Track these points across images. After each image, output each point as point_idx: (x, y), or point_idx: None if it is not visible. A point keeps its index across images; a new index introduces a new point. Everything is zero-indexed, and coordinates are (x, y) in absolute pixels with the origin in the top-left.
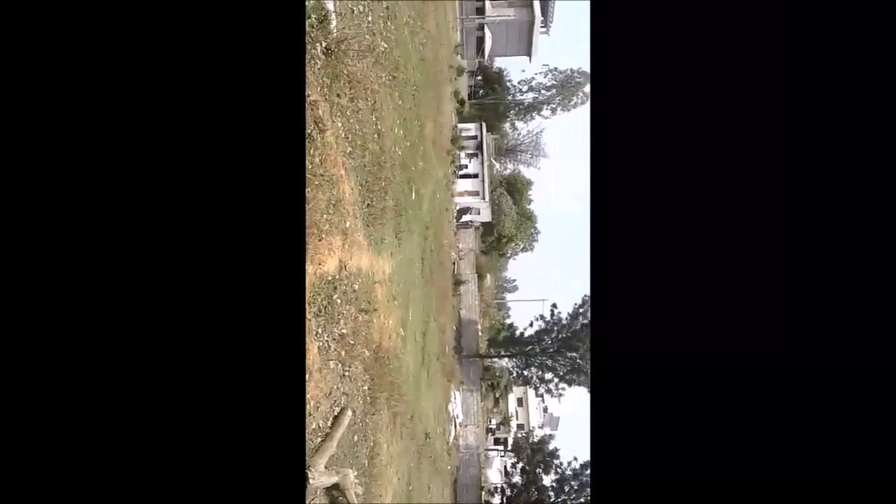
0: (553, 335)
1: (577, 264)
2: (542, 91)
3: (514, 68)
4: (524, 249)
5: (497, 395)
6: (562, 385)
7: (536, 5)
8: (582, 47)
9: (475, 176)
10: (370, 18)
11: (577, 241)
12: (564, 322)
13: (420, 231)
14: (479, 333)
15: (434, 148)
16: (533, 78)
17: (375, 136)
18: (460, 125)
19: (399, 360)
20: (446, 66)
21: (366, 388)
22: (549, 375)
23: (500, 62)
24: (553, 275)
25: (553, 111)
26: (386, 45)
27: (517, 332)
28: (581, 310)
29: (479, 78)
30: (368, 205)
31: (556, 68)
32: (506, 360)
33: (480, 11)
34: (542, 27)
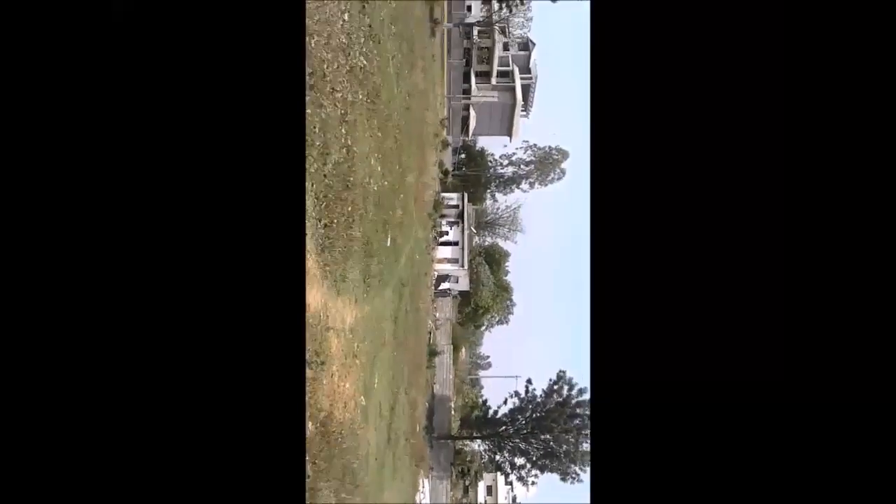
0: (527, 414)
1: (551, 338)
2: (522, 166)
3: (496, 147)
4: (500, 322)
5: (467, 482)
6: (534, 471)
7: (518, 90)
8: (560, 128)
9: (455, 243)
10: (346, 18)
11: (551, 314)
12: (539, 399)
13: (395, 286)
14: (452, 412)
15: (416, 205)
16: (514, 153)
17: (343, 149)
18: (443, 194)
19: (356, 437)
20: (432, 132)
21: None
22: (521, 460)
23: (482, 141)
24: (527, 350)
25: (531, 185)
26: (365, 62)
27: (490, 412)
28: (556, 386)
29: (463, 155)
30: (325, 225)
31: (535, 144)
32: (478, 442)
33: (466, 92)
34: (522, 111)
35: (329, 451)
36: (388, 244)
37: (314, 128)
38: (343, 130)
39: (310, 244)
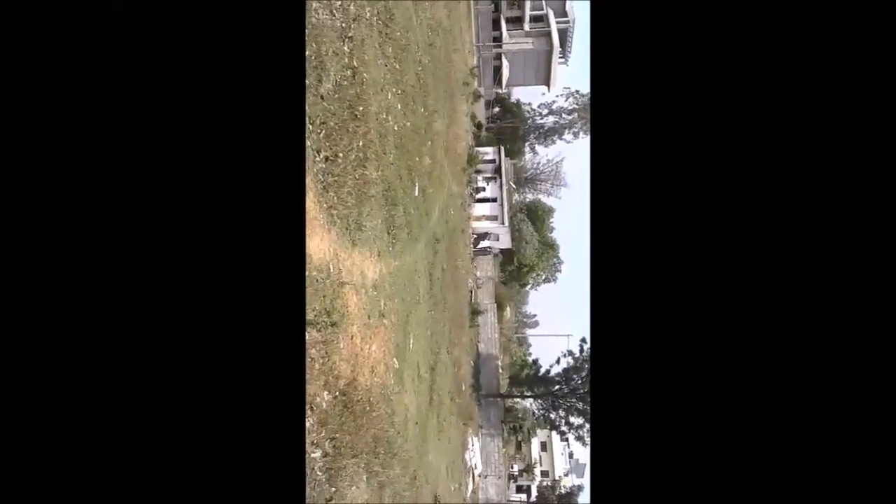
0: (583, 374)
1: None
2: (563, 115)
3: (534, 97)
4: (546, 280)
5: (520, 439)
6: None
7: (555, 35)
8: None
9: (493, 200)
10: None
11: None
12: None
13: (428, 242)
14: (500, 370)
15: (447, 156)
16: (554, 101)
17: (347, 70)
18: (477, 148)
19: (390, 403)
20: (462, 80)
21: (317, 455)
22: (578, 420)
23: (517, 92)
24: (577, 309)
25: (575, 135)
26: None
27: (542, 371)
28: None
29: (497, 109)
30: (327, 158)
31: (577, 91)
32: (529, 400)
33: (497, 40)
34: (560, 57)
35: (355, 423)
36: (417, 194)
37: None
38: (345, 48)
39: (307, 179)
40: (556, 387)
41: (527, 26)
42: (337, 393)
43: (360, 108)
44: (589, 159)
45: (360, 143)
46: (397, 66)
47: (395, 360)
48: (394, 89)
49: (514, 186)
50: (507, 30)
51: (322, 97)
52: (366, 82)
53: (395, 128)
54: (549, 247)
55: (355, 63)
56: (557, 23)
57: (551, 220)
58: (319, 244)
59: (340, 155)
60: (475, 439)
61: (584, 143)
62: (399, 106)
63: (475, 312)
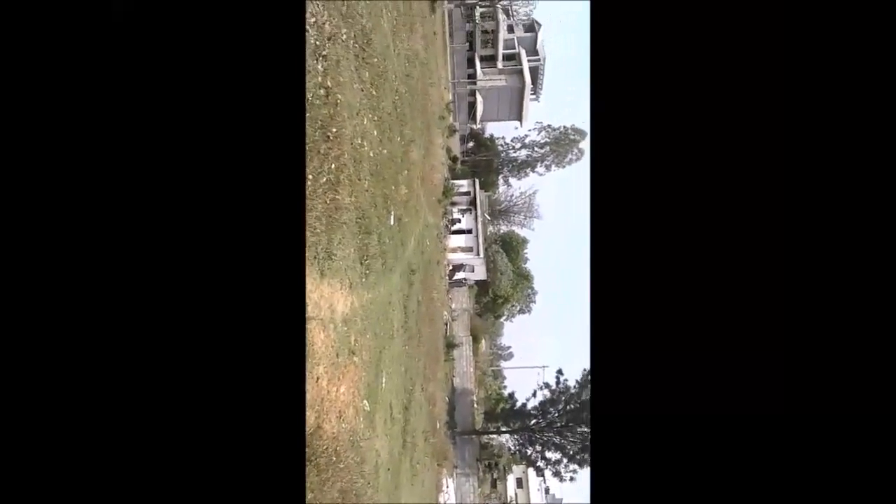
0: (560, 406)
1: (579, 326)
2: (536, 148)
3: (507, 132)
4: (521, 311)
5: (495, 476)
6: (572, 466)
7: (526, 73)
8: (572, 111)
9: (469, 231)
10: None
11: (578, 301)
12: (573, 391)
13: (403, 273)
14: (475, 405)
15: (424, 187)
16: (526, 135)
17: (319, 89)
18: (453, 181)
19: (359, 451)
20: (438, 113)
21: None
22: (556, 455)
23: (491, 128)
24: (552, 340)
25: (547, 168)
26: None
27: (518, 404)
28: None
29: (471, 143)
30: None
31: (549, 125)
32: (505, 436)
33: (472, 77)
34: (531, 94)
35: (319, 478)
36: (392, 223)
37: None
38: (319, 66)
39: None
40: (533, 421)
41: (500, 64)
42: None
43: (334, 130)
44: (565, 187)
45: (333, 167)
46: (374, 93)
47: (365, 402)
48: (370, 115)
49: (488, 218)
50: (481, 67)
51: None
52: (340, 104)
53: (371, 154)
54: (524, 277)
55: (329, 83)
56: (529, 61)
57: (525, 250)
58: None
59: (310, 177)
60: (450, 480)
61: (556, 175)
62: (375, 132)
63: (450, 346)
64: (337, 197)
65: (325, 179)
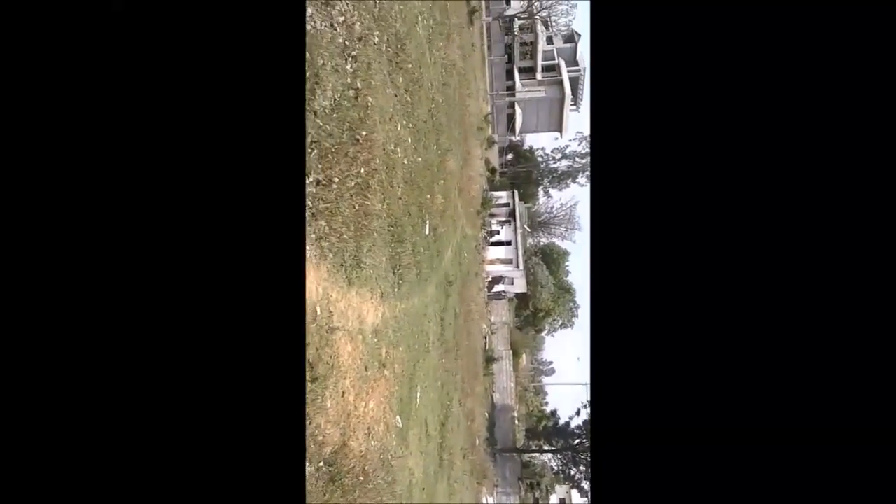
0: None
1: None
2: (577, 159)
3: (547, 144)
4: (563, 325)
5: (537, 496)
6: None
7: (566, 83)
8: None
9: (508, 243)
10: None
11: None
12: None
13: (439, 284)
14: (516, 422)
15: (461, 197)
16: (567, 146)
17: (349, 90)
18: (491, 192)
19: (391, 470)
20: (476, 124)
21: None
22: None
23: (531, 140)
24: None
25: (589, 179)
26: None
27: (561, 422)
28: None
29: (510, 156)
30: (319, 182)
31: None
32: (548, 455)
33: (510, 89)
34: (572, 105)
35: (345, 498)
36: (428, 233)
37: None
38: (348, 66)
39: None
40: (577, 441)
41: (539, 75)
42: (321, 463)
43: (364, 134)
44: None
45: (362, 171)
46: (408, 99)
47: (397, 417)
48: (404, 121)
49: (528, 230)
50: (520, 79)
51: (315, 113)
52: (371, 107)
53: (405, 161)
54: (565, 290)
55: (359, 85)
56: (569, 71)
57: (566, 263)
58: (309, 279)
59: (336, 180)
60: (490, 499)
61: None
62: (410, 140)
63: (490, 360)
64: (366, 202)
65: (353, 183)
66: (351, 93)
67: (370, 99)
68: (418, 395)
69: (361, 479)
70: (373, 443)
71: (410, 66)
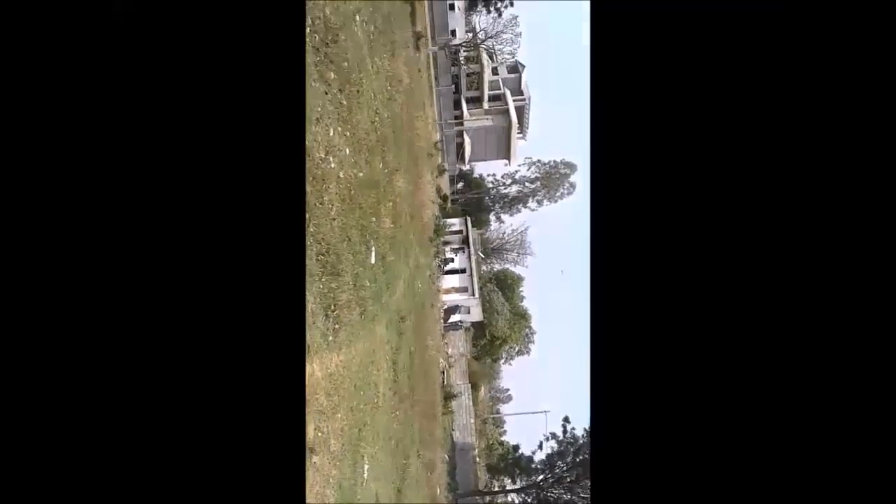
0: (568, 459)
1: (580, 370)
2: (527, 183)
3: (496, 170)
4: (520, 352)
5: None
6: None
7: (512, 112)
8: (560, 148)
9: (462, 271)
10: None
11: (578, 339)
12: (581, 441)
13: (391, 322)
14: (477, 460)
15: (412, 223)
16: (517, 171)
17: None
18: (444, 219)
19: None
20: (426, 149)
21: None
22: None
23: (480, 168)
24: (552, 381)
25: (539, 203)
26: None
27: (522, 457)
28: None
29: (461, 184)
30: None
31: (538, 160)
32: (512, 494)
33: (459, 118)
34: (518, 132)
35: None
36: (374, 262)
37: None
38: None
39: None
40: (541, 477)
41: (486, 105)
42: None
43: None
44: (565, 218)
45: None
46: (343, 102)
47: None
48: (339, 126)
49: (482, 256)
50: (468, 108)
51: None
52: None
53: (341, 175)
54: (521, 316)
55: None
56: (514, 101)
57: (521, 288)
58: None
59: None
60: None
61: (547, 209)
62: (347, 151)
63: (448, 396)
64: None
65: None
66: None
67: None
68: (365, 469)
69: None
70: None
71: (346, 64)
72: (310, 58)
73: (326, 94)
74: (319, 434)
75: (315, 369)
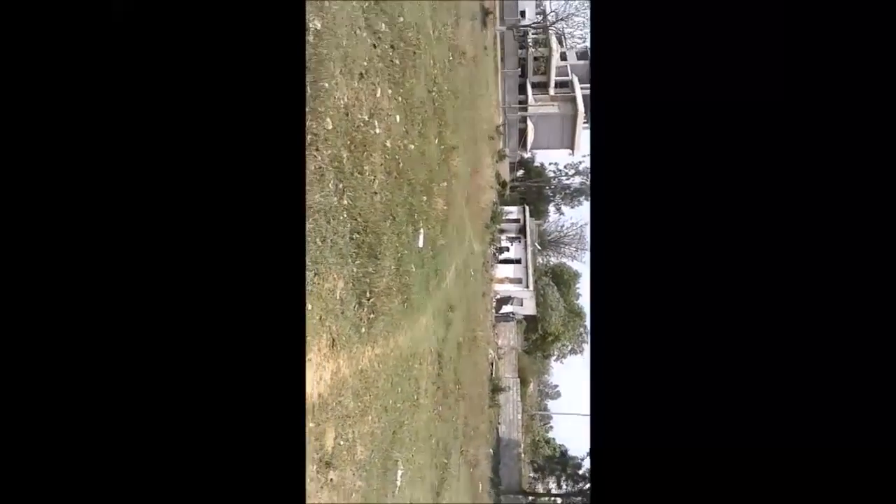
0: None
1: None
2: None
3: (559, 159)
4: (573, 351)
5: None
6: None
7: (580, 100)
8: None
9: (517, 261)
10: None
11: None
12: None
13: (437, 312)
14: (522, 456)
15: (468, 206)
16: (580, 161)
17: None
18: (502, 206)
19: None
20: (486, 131)
21: None
22: None
23: (541, 157)
24: None
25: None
26: None
27: (569, 458)
28: None
29: (521, 172)
30: None
31: None
32: (557, 500)
33: (523, 104)
34: (585, 122)
35: None
36: (421, 246)
37: None
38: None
39: None
40: (588, 486)
41: (552, 91)
42: None
43: (310, 79)
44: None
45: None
46: (395, 61)
47: None
48: (389, 89)
49: (538, 248)
50: (533, 93)
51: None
52: (325, 44)
53: (388, 144)
54: (576, 314)
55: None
56: (582, 88)
57: (577, 285)
58: None
59: None
60: None
61: None
62: (398, 118)
63: (496, 389)
64: (308, 189)
65: None
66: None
67: (316, 23)
68: (399, 475)
69: None
70: None
71: (402, 20)
72: (357, 2)
73: (375, 47)
74: (342, 443)
75: (341, 366)
